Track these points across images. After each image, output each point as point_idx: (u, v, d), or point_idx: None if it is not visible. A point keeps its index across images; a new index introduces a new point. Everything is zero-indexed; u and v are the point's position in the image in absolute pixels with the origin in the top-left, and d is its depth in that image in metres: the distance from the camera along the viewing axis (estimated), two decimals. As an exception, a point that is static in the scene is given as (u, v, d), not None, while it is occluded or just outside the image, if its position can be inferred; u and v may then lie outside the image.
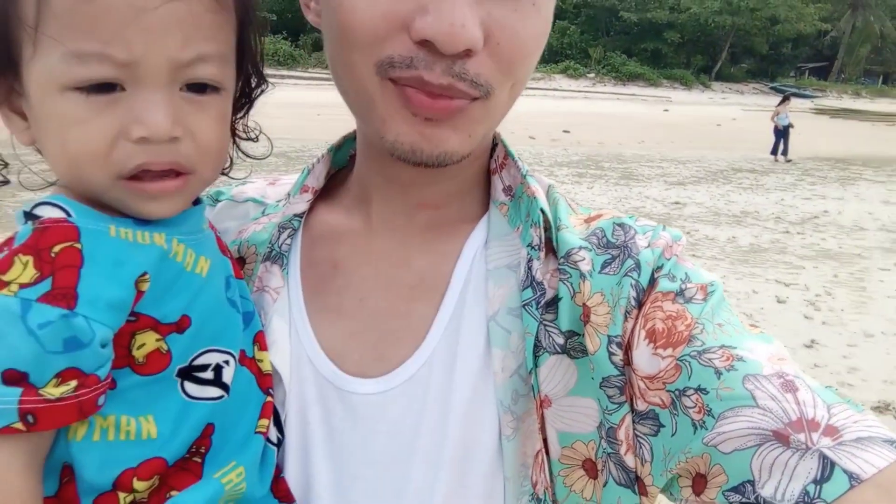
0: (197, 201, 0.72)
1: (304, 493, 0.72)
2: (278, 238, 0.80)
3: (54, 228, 0.58)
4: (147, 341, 0.62)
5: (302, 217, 0.82)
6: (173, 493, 0.64)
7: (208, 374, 0.66)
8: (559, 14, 57.90)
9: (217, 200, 0.91)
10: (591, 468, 0.69)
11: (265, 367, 0.73)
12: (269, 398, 0.72)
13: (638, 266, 0.69)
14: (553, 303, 0.70)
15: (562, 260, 0.71)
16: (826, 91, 54.18)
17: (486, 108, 0.67)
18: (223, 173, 0.74)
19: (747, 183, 14.71)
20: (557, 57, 53.10)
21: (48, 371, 0.56)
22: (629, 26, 54.59)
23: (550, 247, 0.73)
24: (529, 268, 0.71)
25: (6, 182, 0.70)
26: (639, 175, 15.00)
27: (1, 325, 0.55)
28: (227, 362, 0.67)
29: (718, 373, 0.62)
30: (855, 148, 22.91)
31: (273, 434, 0.72)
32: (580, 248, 0.71)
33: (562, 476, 0.69)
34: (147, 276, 0.60)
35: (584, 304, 0.68)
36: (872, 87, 59.57)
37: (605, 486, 0.68)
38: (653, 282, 0.68)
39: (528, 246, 0.72)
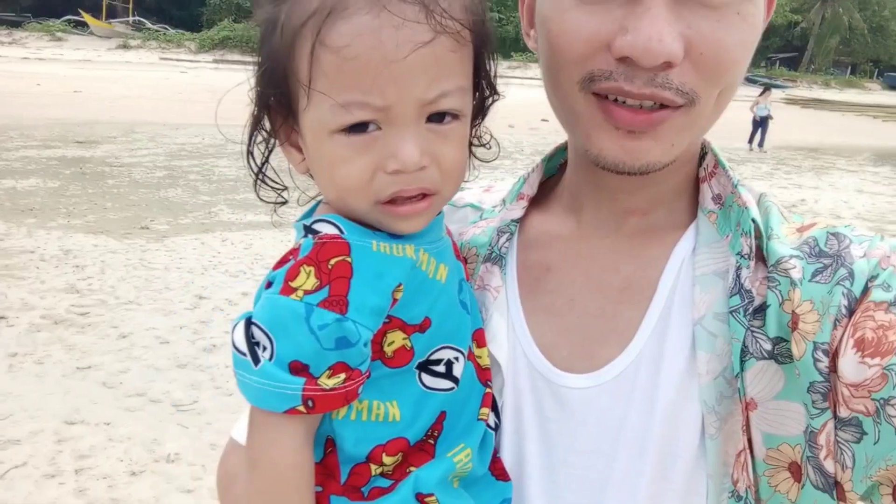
0: None
1: (518, 473, 0.79)
2: (497, 241, 0.87)
3: (331, 244, 0.68)
4: (395, 339, 0.71)
5: (518, 222, 0.89)
6: (412, 468, 0.73)
7: (441, 368, 0.75)
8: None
9: None
10: (796, 471, 0.70)
11: (483, 361, 0.81)
12: (487, 390, 0.80)
13: (851, 275, 0.69)
14: (761, 310, 0.72)
15: (771, 268, 0.72)
16: (797, 81, 54.12)
17: (689, 116, 0.70)
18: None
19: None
20: (531, 47, 53.61)
21: (324, 365, 0.65)
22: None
23: (760, 255, 0.75)
24: (738, 276, 0.73)
25: (284, 202, 0.81)
26: (622, 165, 15.08)
27: (290, 324, 0.65)
28: (457, 358, 0.76)
29: None
30: (826, 137, 23.13)
31: (492, 420, 0.80)
32: (791, 256, 0.72)
33: (767, 476, 0.72)
34: (401, 287, 0.69)
35: (792, 311, 0.69)
36: (841, 78, 59.99)
37: (802, 488, 0.70)
38: (866, 291, 0.69)
39: (737, 255, 0.74)
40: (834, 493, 0.68)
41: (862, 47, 62.24)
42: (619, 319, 0.79)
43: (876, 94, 49.88)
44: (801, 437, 0.69)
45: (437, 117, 0.69)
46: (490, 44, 0.74)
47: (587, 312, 0.81)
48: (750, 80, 49.01)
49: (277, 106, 0.73)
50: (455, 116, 0.71)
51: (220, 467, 0.85)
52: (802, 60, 62.00)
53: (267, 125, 0.76)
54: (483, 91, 0.78)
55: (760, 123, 19.82)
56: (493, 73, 0.77)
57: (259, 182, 0.79)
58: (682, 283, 0.77)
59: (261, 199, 0.80)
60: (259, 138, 0.77)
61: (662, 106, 0.69)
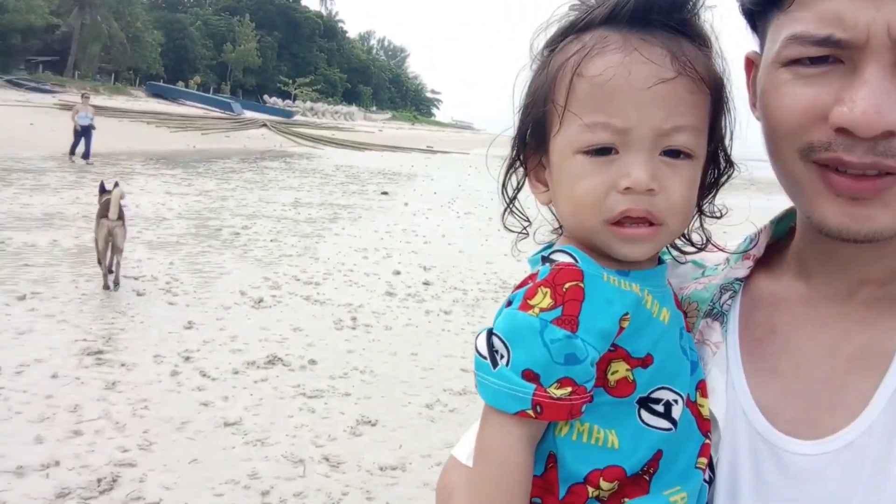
0: (660, 262, 0.86)
1: None
2: (720, 298, 0.87)
3: (566, 270, 0.75)
4: (619, 369, 0.76)
5: (742, 281, 0.88)
6: (626, 500, 0.76)
7: (660, 408, 0.78)
8: None
9: (661, 260, 0.94)
10: None
11: (705, 412, 0.82)
12: (706, 440, 0.81)
13: None
14: None
15: None
16: (66, 87, 52.70)
17: None
18: (699, 249, 0.89)
19: (31, 184, 15.52)
20: None
21: (553, 376, 0.71)
22: None
23: None
24: None
25: (526, 234, 0.91)
26: None
27: (526, 335, 0.72)
28: (675, 401, 0.79)
29: None
30: (114, 143, 24.42)
31: (706, 473, 0.81)
32: None
33: None
34: (628, 316, 0.75)
35: None
36: (108, 85, 61.36)
37: None
38: None
39: None
40: None
41: (122, 56, 66.31)
42: (850, 389, 0.76)
43: (143, 101, 54.41)
44: None
45: (672, 153, 0.76)
46: (726, 105, 0.81)
47: (814, 379, 0.79)
48: (15, 84, 47.13)
49: (532, 140, 0.84)
50: (688, 156, 0.77)
51: (440, 481, 0.88)
52: (68, 65, 62.88)
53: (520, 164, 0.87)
54: (718, 163, 0.85)
55: (83, 133, 19.60)
56: (726, 138, 0.84)
57: (508, 212, 0.90)
58: None
59: (507, 229, 0.91)
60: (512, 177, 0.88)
61: (888, 173, 0.68)
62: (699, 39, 0.80)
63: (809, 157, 0.71)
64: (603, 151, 0.76)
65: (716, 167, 0.86)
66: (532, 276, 0.78)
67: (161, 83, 67.41)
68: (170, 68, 74.16)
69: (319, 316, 7.33)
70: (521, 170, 0.88)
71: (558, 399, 0.71)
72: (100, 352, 5.87)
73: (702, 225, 0.88)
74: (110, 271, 7.98)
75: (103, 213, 7.96)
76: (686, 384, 0.81)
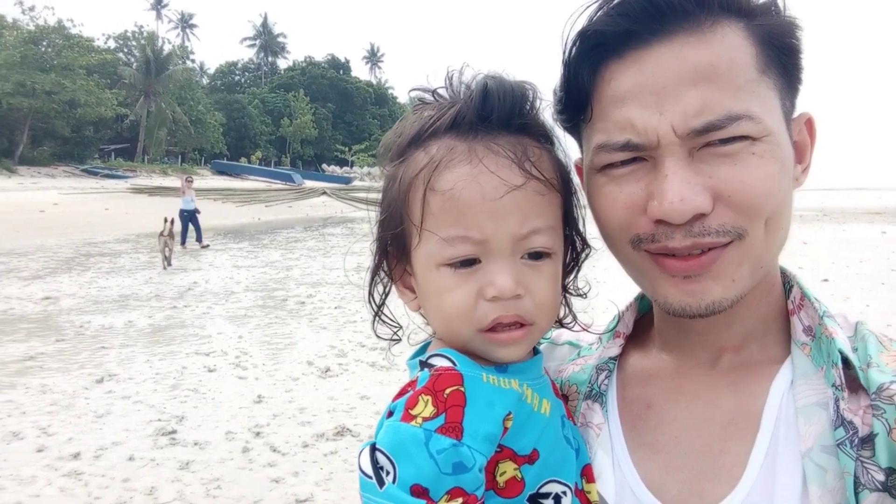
0: (536, 352, 0.86)
1: None
2: (597, 379, 0.91)
3: (445, 375, 0.74)
4: (507, 469, 0.75)
5: (616, 360, 0.92)
6: None
7: (550, 502, 0.77)
8: None
9: (536, 350, 0.99)
10: None
11: (593, 497, 0.83)
12: None
13: None
14: (868, 439, 0.70)
15: (874, 396, 0.71)
16: (137, 171, 57.68)
17: (741, 249, 0.74)
18: (565, 326, 0.91)
19: (107, 267, 15.82)
20: None
21: (442, 488, 0.69)
22: None
23: (858, 384, 0.74)
24: (837, 407, 0.72)
25: (398, 340, 0.92)
26: (-26, 276, 14.43)
27: (411, 449, 0.70)
28: (564, 493, 0.78)
29: None
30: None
31: None
32: (892, 382, 0.71)
33: None
34: (510, 416, 0.74)
35: None
36: (176, 166, 64.77)
37: None
38: None
39: (832, 386, 0.74)
40: None
41: (187, 138, 70.07)
42: (727, 455, 0.79)
43: (209, 178, 56.72)
44: None
45: (533, 255, 0.78)
46: (576, 195, 0.85)
47: (693, 449, 0.81)
48: (90, 172, 50.92)
49: (393, 250, 0.84)
50: (548, 255, 0.79)
51: None
52: (137, 151, 67.36)
53: (385, 269, 0.87)
54: (575, 245, 0.88)
55: (189, 218, 18.66)
56: (581, 225, 0.87)
57: (377, 320, 0.90)
58: (785, 416, 0.77)
59: (378, 337, 0.90)
60: (378, 284, 0.88)
61: (711, 248, 0.74)
62: (542, 135, 0.83)
63: (640, 248, 0.78)
64: (466, 263, 0.77)
65: (573, 249, 0.89)
66: (412, 383, 0.77)
67: (224, 161, 71.79)
68: (232, 146, 78.38)
69: (387, 382, 7.27)
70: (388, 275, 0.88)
71: None
72: (174, 431, 5.95)
73: (566, 303, 0.90)
74: (168, 262, 14.75)
75: (161, 233, 15.14)
76: (573, 473, 0.81)
